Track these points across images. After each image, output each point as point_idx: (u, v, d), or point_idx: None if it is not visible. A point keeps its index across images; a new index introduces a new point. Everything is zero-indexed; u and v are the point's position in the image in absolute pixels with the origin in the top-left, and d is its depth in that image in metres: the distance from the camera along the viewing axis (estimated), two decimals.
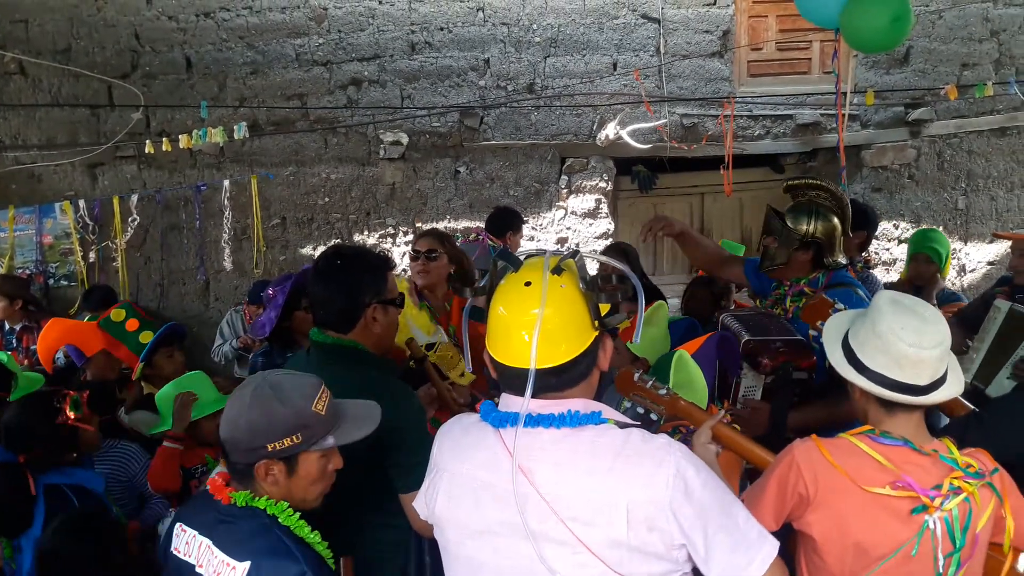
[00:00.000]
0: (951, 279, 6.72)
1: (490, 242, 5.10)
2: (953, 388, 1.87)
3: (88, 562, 2.40)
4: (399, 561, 2.39)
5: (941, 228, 6.65)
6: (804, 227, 3.06)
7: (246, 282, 6.28)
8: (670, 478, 1.42)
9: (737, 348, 2.90)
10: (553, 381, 1.49)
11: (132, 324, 3.64)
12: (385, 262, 2.46)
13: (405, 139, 6.16)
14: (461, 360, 2.85)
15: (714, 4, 6.27)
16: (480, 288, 1.63)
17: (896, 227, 6.69)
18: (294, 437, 1.73)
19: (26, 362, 5.24)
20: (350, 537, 2.26)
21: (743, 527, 1.47)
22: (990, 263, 6.77)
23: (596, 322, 1.51)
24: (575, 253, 1.54)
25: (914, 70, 6.46)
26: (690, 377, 2.53)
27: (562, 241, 6.48)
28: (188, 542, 1.77)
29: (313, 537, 1.78)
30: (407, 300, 3.19)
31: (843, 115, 3.79)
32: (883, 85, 6.45)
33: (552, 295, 1.46)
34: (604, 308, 1.52)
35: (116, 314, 3.70)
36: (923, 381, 1.82)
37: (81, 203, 6.20)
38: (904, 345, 1.80)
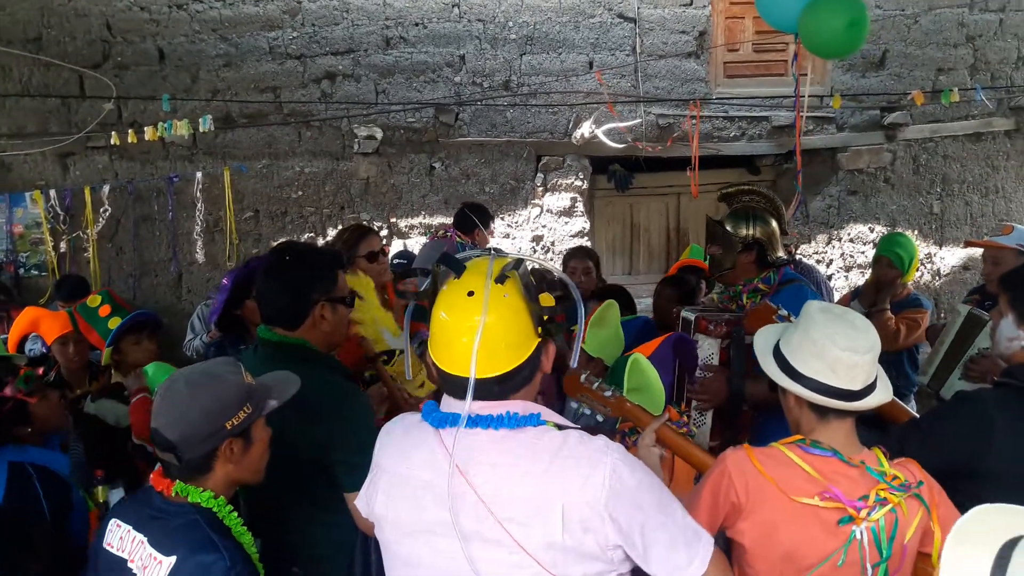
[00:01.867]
0: (926, 283, 6.76)
1: (458, 239, 5.07)
2: (883, 394, 1.89)
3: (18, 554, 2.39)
4: (344, 559, 2.38)
5: (915, 232, 6.68)
6: (744, 231, 3.20)
7: (218, 275, 6.22)
8: (606, 479, 1.42)
9: (694, 347, 2.94)
10: (496, 389, 1.50)
11: (104, 310, 3.66)
12: (336, 260, 2.46)
13: (380, 134, 6.13)
14: (421, 370, 2.83)
15: (690, 4, 6.26)
16: (422, 292, 1.62)
17: (871, 230, 6.71)
18: (246, 408, 1.80)
19: None
20: (296, 536, 2.26)
21: (680, 524, 1.50)
22: (964, 268, 6.81)
23: (539, 328, 1.51)
24: (519, 262, 1.53)
25: (890, 74, 6.48)
26: (646, 381, 2.54)
27: (537, 239, 6.46)
28: (122, 537, 1.80)
29: (245, 536, 1.83)
30: (374, 301, 3.17)
31: (802, 117, 3.79)
32: (859, 88, 6.47)
33: (494, 304, 1.46)
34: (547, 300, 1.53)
35: (92, 299, 3.76)
36: (857, 386, 1.83)
37: (52, 193, 6.13)
38: (838, 350, 1.82)
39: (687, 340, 2.94)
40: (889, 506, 1.76)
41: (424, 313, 1.62)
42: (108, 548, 1.81)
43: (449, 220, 6.29)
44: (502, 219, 6.42)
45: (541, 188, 6.40)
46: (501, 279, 1.48)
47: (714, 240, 3.27)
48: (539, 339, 1.52)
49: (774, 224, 3.24)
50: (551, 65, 6.25)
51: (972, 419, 2.14)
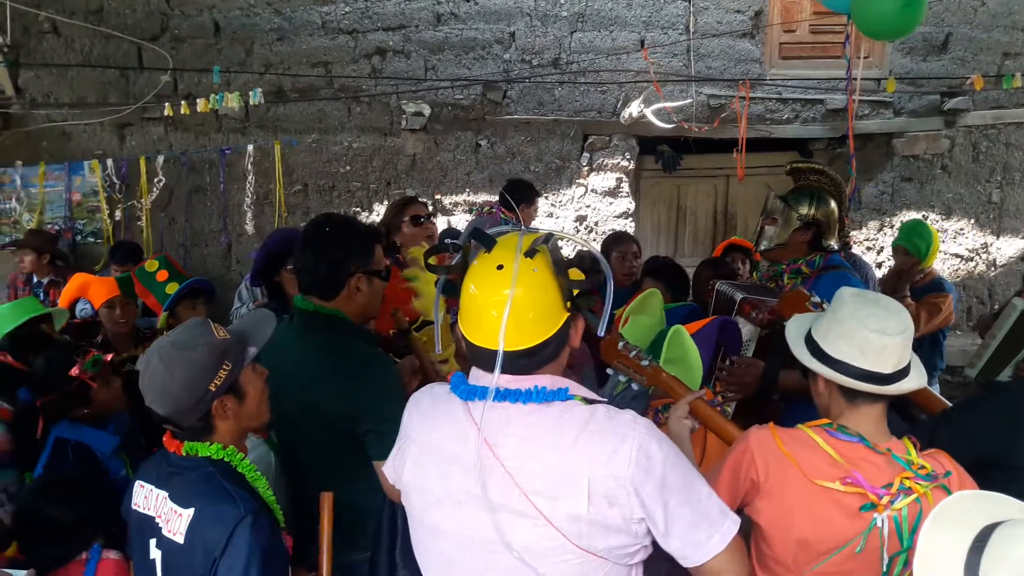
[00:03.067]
0: (980, 272, 6.57)
1: (503, 215, 5.07)
2: (916, 380, 1.85)
3: (60, 526, 2.47)
4: (371, 526, 2.42)
5: (972, 221, 6.49)
6: (805, 209, 3.14)
7: None
8: (633, 453, 1.43)
9: (738, 330, 2.90)
10: (523, 362, 1.50)
11: (162, 275, 3.74)
12: (374, 233, 2.48)
13: (427, 110, 6.15)
14: (451, 346, 2.85)
15: None
16: (454, 266, 1.63)
17: (926, 218, 6.52)
18: (225, 365, 1.82)
19: None
20: (309, 505, 2.29)
21: (705, 503, 1.49)
22: (1022, 259, 6.59)
23: (568, 303, 1.51)
24: (548, 237, 1.53)
25: (953, 58, 6.28)
26: (684, 354, 2.51)
27: (581, 219, 6.44)
28: (147, 496, 1.86)
29: (263, 487, 1.89)
30: (426, 272, 3.19)
31: (854, 101, 3.69)
32: (919, 72, 6.28)
33: (523, 278, 1.46)
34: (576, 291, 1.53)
35: (150, 264, 3.83)
36: (887, 369, 1.79)
37: (109, 162, 6.31)
38: (868, 331, 1.79)
39: (733, 325, 2.90)
40: (914, 496, 1.72)
41: (455, 288, 1.63)
42: (136, 508, 1.88)
43: (493, 198, 6.30)
44: (546, 198, 6.40)
45: (587, 168, 6.37)
46: (531, 253, 1.48)
47: (771, 214, 3.22)
48: (568, 314, 1.52)
49: (835, 208, 3.18)
50: (602, 43, 6.19)
51: (1002, 411, 2.09)
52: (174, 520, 1.76)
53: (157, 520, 1.80)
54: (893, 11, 3.06)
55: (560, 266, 1.51)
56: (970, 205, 6.52)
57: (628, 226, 6.36)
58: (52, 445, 2.81)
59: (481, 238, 1.57)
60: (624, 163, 6.34)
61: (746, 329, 2.87)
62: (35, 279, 5.74)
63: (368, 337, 2.48)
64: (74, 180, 6.44)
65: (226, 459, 1.84)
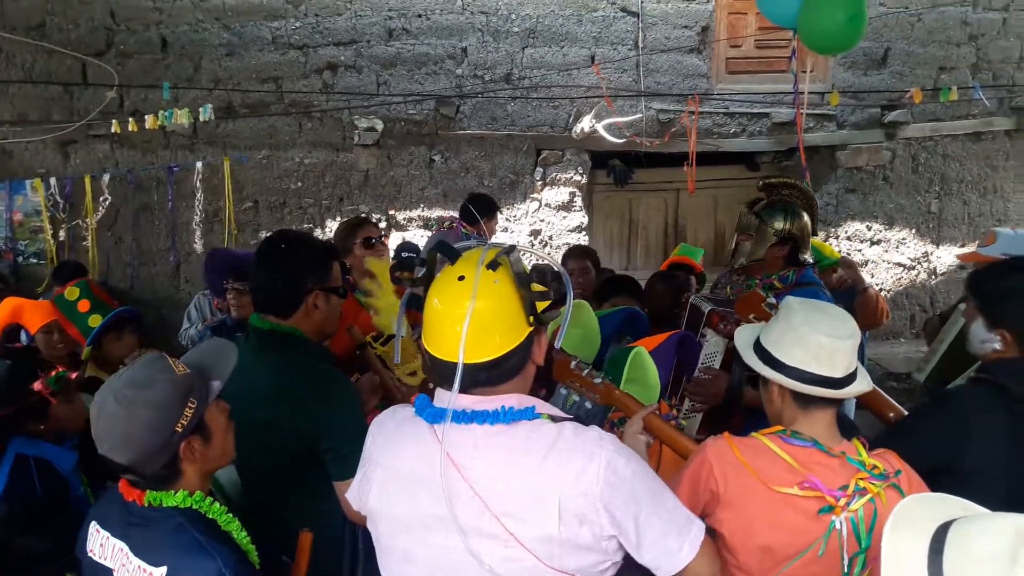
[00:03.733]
0: (922, 281, 6.76)
1: (463, 229, 5.08)
2: (863, 383, 1.90)
3: (29, 557, 2.40)
4: (334, 548, 2.40)
5: (912, 231, 6.69)
6: (780, 224, 3.17)
7: None
8: (601, 471, 1.43)
9: (698, 349, 2.93)
10: (484, 376, 1.50)
11: (84, 305, 3.57)
12: (330, 250, 2.45)
13: (380, 125, 6.14)
14: (417, 357, 2.83)
15: (693, 0, 6.26)
16: (419, 279, 1.63)
17: (869, 228, 6.71)
18: (191, 402, 1.68)
19: None
20: (285, 525, 2.27)
21: (672, 511, 1.51)
22: (961, 267, 6.80)
23: (531, 318, 1.51)
24: (511, 249, 1.53)
25: (892, 72, 6.48)
26: (644, 374, 2.54)
27: (535, 233, 6.48)
28: (103, 544, 1.73)
29: (234, 526, 1.77)
30: (389, 287, 3.17)
31: (801, 114, 3.79)
32: (860, 86, 6.47)
33: (485, 290, 1.46)
34: (541, 304, 1.53)
35: (70, 292, 3.64)
36: (839, 373, 1.84)
37: (52, 181, 6.17)
38: (821, 336, 1.84)
39: (692, 341, 2.93)
40: (868, 496, 1.77)
41: (420, 301, 1.63)
42: (91, 555, 1.75)
43: (447, 213, 6.31)
44: (500, 213, 6.42)
45: (540, 182, 6.41)
46: (493, 265, 1.48)
47: (745, 229, 3.24)
48: (530, 327, 1.52)
49: (808, 222, 3.22)
50: (553, 59, 6.26)
51: (949, 418, 2.15)
52: None
53: (116, 574, 1.68)
54: (837, 26, 3.16)
55: (522, 279, 1.50)
56: (911, 215, 6.72)
57: (582, 239, 6.42)
58: (13, 461, 2.69)
59: (445, 250, 1.57)
60: (577, 177, 6.40)
61: (714, 340, 2.88)
62: None
63: (325, 355, 2.45)
64: (15, 199, 6.28)
65: (194, 507, 1.71)
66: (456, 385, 1.47)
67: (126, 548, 1.67)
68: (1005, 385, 2.15)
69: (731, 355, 2.81)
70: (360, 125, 6.14)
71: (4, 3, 6.09)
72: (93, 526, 1.77)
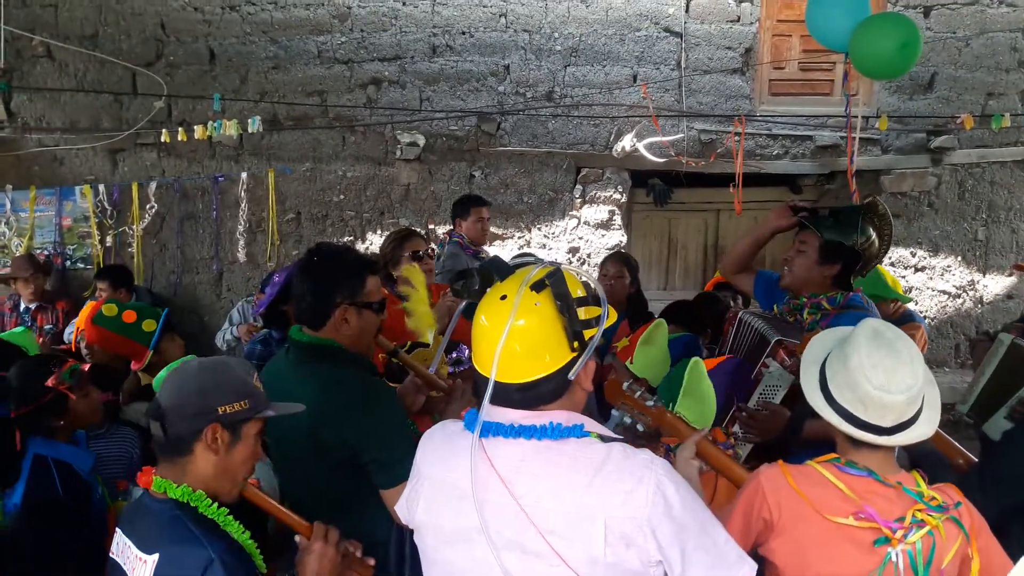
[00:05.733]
0: (968, 310, 6.64)
1: (453, 237, 5.13)
2: (924, 428, 1.82)
3: (46, 549, 2.41)
4: (379, 556, 2.40)
5: (958, 258, 6.58)
6: (847, 240, 2.96)
7: (259, 274, 6.33)
8: (650, 495, 1.41)
9: (750, 376, 2.84)
10: (518, 396, 1.49)
11: (129, 316, 3.56)
12: (366, 265, 2.43)
13: (422, 141, 6.19)
14: (444, 366, 2.83)
15: (738, 21, 6.24)
16: (475, 292, 1.63)
17: (913, 255, 6.61)
18: (244, 402, 1.77)
19: (40, 340, 5.35)
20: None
21: (722, 547, 1.47)
22: (1008, 296, 6.67)
23: (575, 343, 1.48)
24: (555, 271, 1.50)
25: (938, 97, 6.40)
26: (702, 389, 2.50)
27: (574, 251, 6.47)
28: (118, 542, 1.78)
29: (237, 531, 1.77)
30: (424, 295, 3.18)
31: (853, 139, 3.74)
32: (906, 111, 6.39)
33: (525, 311, 1.46)
34: (591, 333, 1.49)
35: (107, 309, 3.60)
36: (887, 424, 1.78)
37: (101, 188, 6.29)
38: (870, 387, 1.76)
39: (747, 370, 2.85)
40: (927, 528, 1.72)
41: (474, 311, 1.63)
42: (112, 556, 1.79)
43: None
44: (539, 230, 6.44)
45: (579, 200, 6.41)
46: (537, 286, 1.47)
47: (808, 236, 3.02)
48: (573, 353, 1.48)
49: (875, 243, 3.03)
50: (595, 77, 6.27)
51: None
52: (139, 568, 1.66)
53: (124, 567, 1.72)
54: (891, 51, 3.12)
55: (567, 303, 1.47)
56: (956, 242, 6.61)
57: (622, 251, 6.39)
58: (32, 462, 2.68)
59: (498, 267, 1.57)
60: (616, 196, 6.39)
61: (778, 373, 2.74)
62: (23, 305, 5.68)
63: (364, 365, 2.45)
64: (65, 205, 6.41)
65: (192, 503, 1.73)
66: (486, 401, 1.47)
67: (130, 543, 1.72)
68: None
69: (795, 390, 2.64)
70: (402, 140, 6.20)
71: (59, 13, 6.26)
72: (118, 530, 1.81)
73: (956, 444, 2.35)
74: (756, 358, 2.87)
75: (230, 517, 1.77)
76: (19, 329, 3.92)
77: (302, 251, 6.33)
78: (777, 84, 6.49)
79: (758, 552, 1.90)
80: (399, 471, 1.99)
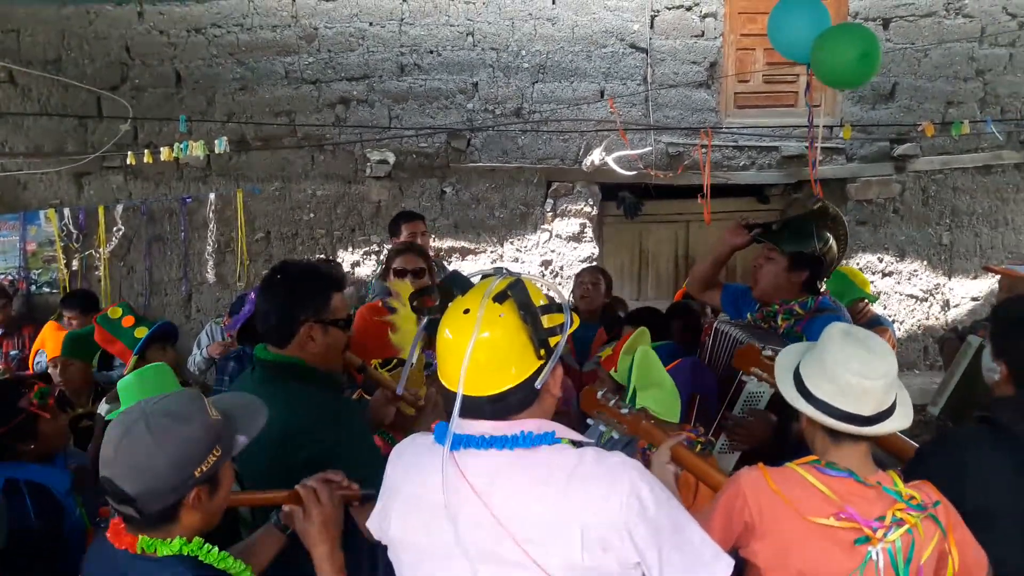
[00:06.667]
0: (935, 314, 6.74)
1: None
2: (900, 421, 1.87)
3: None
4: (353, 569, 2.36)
5: (924, 263, 6.69)
6: (799, 247, 3.04)
7: (229, 295, 6.27)
8: (624, 498, 1.41)
9: (713, 378, 2.87)
10: (489, 408, 1.48)
11: (128, 320, 3.62)
12: (332, 282, 2.40)
13: (392, 158, 6.19)
14: (423, 386, 2.81)
15: (702, 36, 6.33)
16: (436, 308, 1.63)
17: (880, 260, 6.71)
18: (215, 451, 1.61)
19: (3, 366, 5.27)
20: (301, 558, 2.24)
21: (698, 546, 1.47)
22: (974, 299, 6.79)
23: (542, 351, 1.48)
24: (517, 281, 1.50)
25: (900, 106, 6.52)
26: (654, 373, 2.50)
27: (546, 264, 6.48)
28: None
29: (236, 566, 1.67)
30: (408, 311, 3.16)
31: (816, 148, 3.81)
32: (869, 120, 6.51)
33: (489, 323, 1.45)
34: (556, 340, 1.49)
35: (113, 311, 3.70)
36: (867, 411, 1.82)
37: (66, 211, 6.23)
38: (849, 375, 1.81)
39: (702, 367, 2.89)
40: (906, 527, 1.74)
41: (436, 329, 1.62)
42: None
43: (459, 244, 6.34)
44: (511, 244, 6.46)
45: (551, 214, 6.44)
46: (499, 297, 1.47)
47: (766, 251, 3.11)
48: (540, 361, 1.48)
49: (836, 252, 3.14)
50: (563, 93, 6.32)
51: (946, 462, 2.09)
52: None
53: None
54: (852, 61, 3.18)
55: (531, 312, 1.47)
56: (922, 247, 6.72)
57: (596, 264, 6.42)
58: (3, 486, 2.61)
59: (459, 282, 1.57)
60: (587, 209, 6.43)
61: (756, 385, 2.75)
62: None
63: (331, 382, 2.43)
64: (29, 230, 6.31)
65: (191, 553, 1.60)
66: (455, 416, 1.46)
67: None
68: (1005, 424, 2.11)
69: (779, 396, 2.71)
70: (372, 158, 6.19)
71: (21, 38, 6.19)
72: None
73: (904, 438, 2.32)
74: (721, 356, 2.93)
75: (223, 553, 1.66)
76: None
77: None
78: (742, 97, 6.58)
79: (739, 554, 1.91)
80: (368, 488, 1.98)
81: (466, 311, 1.48)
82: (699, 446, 2.28)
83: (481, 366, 1.45)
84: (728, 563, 1.48)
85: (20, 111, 6.23)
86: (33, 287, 6.40)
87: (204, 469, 1.58)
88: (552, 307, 1.50)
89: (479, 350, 1.44)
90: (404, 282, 3.38)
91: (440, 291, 1.60)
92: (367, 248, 6.45)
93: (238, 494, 1.91)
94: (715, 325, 3.13)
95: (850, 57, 3.22)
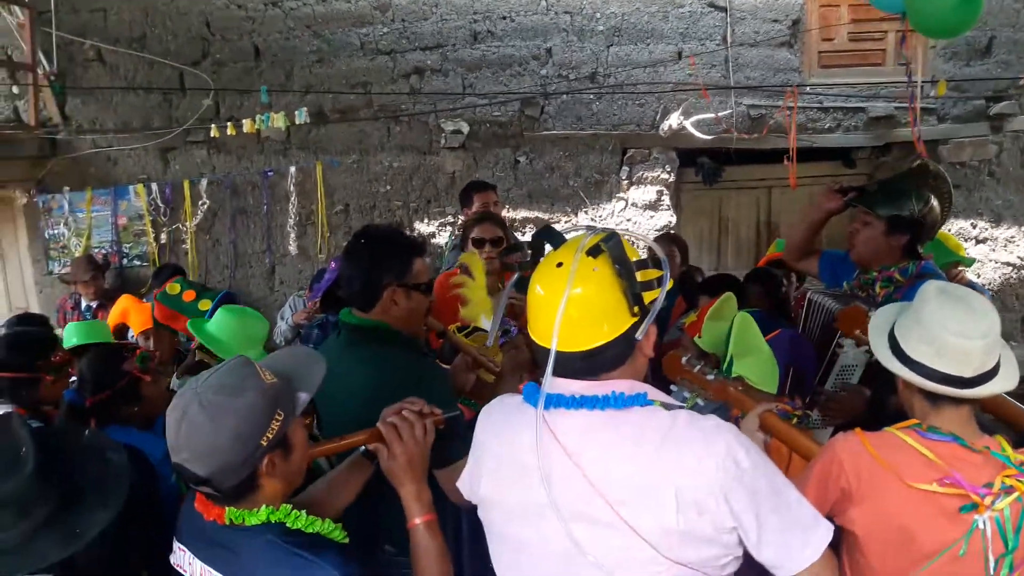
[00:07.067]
0: None
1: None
2: (1004, 383, 1.78)
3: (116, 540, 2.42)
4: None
5: (1022, 228, 6.36)
6: (897, 209, 2.89)
7: (310, 267, 6.41)
8: (720, 460, 1.38)
9: (810, 350, 2.78)
10: (580, 365, 1.46)
11: (189, 295, 3.70)
12: (413, 247, 2.43)
13: (466, 128, 6.18)
14: (499, 353, 2.81)
15: None
16: (526, 263, 1.61)
17: (974, 226, 6.41)
18: (277, 416, 1.56)
19: None
20: (381, 520, 2.27)
21: (797, 510, 1.44)
22: None
23: (636, 308, 1.45)
24: (612, 235, 1.47)
25: (997, 61, 6.18)
26: (754, 341, 2.43)
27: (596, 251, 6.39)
28: (191, 563, 1.64)
29: (325, 527, 1.65)
30: (482, 281, 3.17)
31: (916, 104, 3.58)
32: (962, 77, 6.18)
33: (583, 277, 1.42)
34: (651, 295, 1.46)
35: (171, 287, 3.77)
36: (968, 373, 1.73)
37: (154, 186, 6.44)
38: (948, 334, 1.73)
39: (802, 342, 2.79)
40: (1016, 494, 1.66)
41: (526, 284, 1.60)
42: (178, 568, 1.66)
43: (533, 214, 6.31)
44: (586, 213, 6.39)
45: (627, 181, 6.34)
46: (593, 251, 1.43)
47: (863, 214, 2.96)
48: (634, 318, 1.45)
49: (938, 214, 2.97)
50: (639, 56, 6.18)
51: None
52: None
53: None
54: (951, 5, 2.98)
55: (626, 267, 1.43)
56: (1020, 212, 6.38)
57: (671, 232, 6.31)
58: None
59: (550, 236, 1.54)
60: (664, 176, 6.31)
61: (852, 352, 2.67)
62: (83, 303, 5.83)
63: (415, 346, 2.46)
64: (120, 204, 6.55)
65: (280, 520, 1.59)
66: (548, 372, 1.43)
67: (217, 574, 1.58)
68: None
69: (873, 367, 2.57)
70: (446, 128, 6.20)
71: (108, 17, 6.38)
72: (177, 545, 1.68)
73: (1014, 402, 2.22)
74: (829, 338, 2.77)
75: (311, 518, 1.63)
76: (91, 321, 4.05)
77: None
78: (827, 56, 6.33)
79: (835, 522, 1.85)
80: (452, 450, 1.99)
81: (559, 265, 1.45)
82: (795, 419, 2.20)
83: (574, 321, 1.42)
84: (828, 528, 1.45)
85: (109, 88, 6.43)
86: (125, 260, 6.65)
87: (270, 436, 1.54)
88: (648, 263, 1.47)
89: (572, 305, 1.41)
90: (477, 254, 3.38)
91: (531, 247, 1.57)
92: (442, 219, 6.47)
93: (318, 445, 1.92)
94: (808, 296, 3.00)
95: (948, 3, 3.02)
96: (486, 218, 3.86)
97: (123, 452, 1.63)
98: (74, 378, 3.11)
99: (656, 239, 4.75)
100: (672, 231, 6.33)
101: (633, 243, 1.53)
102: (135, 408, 2.81)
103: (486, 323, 3.16)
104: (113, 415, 2.78)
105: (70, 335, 3.75)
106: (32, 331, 3.55)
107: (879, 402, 2.56)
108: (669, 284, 1.50)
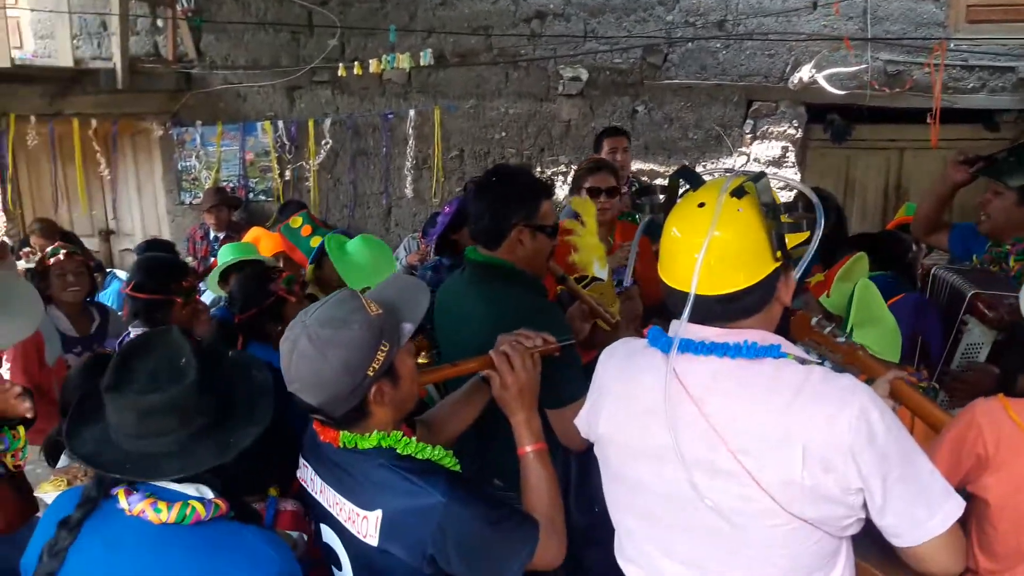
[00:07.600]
0: None
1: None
2: None
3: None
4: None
5: None
6: None
7: (425, 210, 6.53)
8: (853, 420, 1.33)
9: (937, 318, 2.66)
10: (719, 309, 1.42)
11: (306, 230, 3.84)
12: (543, 188, 2.44)
13: (585, 75, 6.09)
14: (615, 302, 2.79)
15: None
16: (659, 205, 1.58)
17: None
18: (383, 346, 1.58)
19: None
20: (493, 455, 2.31)
21: (927, 479, 1.38)
22: None
23: (778, 252, 1.40)
24: (760, 175, 1.42)
25: None
26: (877, 311, 2.34)
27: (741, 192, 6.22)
28: (312, 479, 1.72)
29: (436, 453, 1.67)
30: (593, 227, 3.16)
31: None
32: None
33: (727, 218, 1.38)
34: (794, 239, 1.41)
35: (294, 220, 3.94)
36: None
37: (280, 124, 6.65)
38: None
39: (929, 307, 2.67)
40: None
41: (658, 229, 1.57)
42: (304, 484, 1.74)
43: (648, 166, 6.19)
44: (704, 167, 6.22)
45: (750, 136, 6.14)
46: (737, 192, 1.39)
47: (995, 184, 2.83)
48: (776, 263, 1.40)
49: None
50: (771, 4, 5.92)
51: None
52: (359, 522, 1.59)
53: (329, 509, 1.67)
54: None
55: (771, 210, 1.38)
56: None
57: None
58: None
59: (688, 176, 1.50)
60: (791, 131, 6.07)
61: (978, 331, 2.55)
62: (212, 234, 6.12)
63: (537, 286, 2.47)
64: (248, 140, 6.81)
65: (390, 446, 1.62)
66: (685, 315, 1.40)
67: (333, 491, 1.65)
68: None
69: (1001, 346, 2.46)
70: (565, 74, 6.13)
71: None
72: (302, 460, 1.76)
73: None
74: (953, 315, 2.66)
75: (422, 444, 1.66)
76: (243, 243, 4.29)
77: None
78: (976, 9, 5.89)
79: (966, 490, 1.78)
80: (568, 391, 2.01)
81: (701, 204, 1.41)
82: (921, 391, 2.11)
83: (713, 264, 1.39)
84: (959, 503, 1.39)
85: (241, 25, 6.64)
86: (251, 195, 6.94)
87: (376, 367, 1.57)
88: (796, 206, 1.42)
89: (714, 247, 1.38)
90: (588, 201, 3.34)
91: (667, 188, 1.54)
92: (555, 168, 6.44)
93: (430, 371, 1.96)
94: (932, 271, 2.88)
95: None
96: (601, 167, 3.80)
97: (267, 371, 1.71)
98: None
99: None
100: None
101: (778, 187, 1.48)
102: (279, 327, 2.93)
103: (599, 270, 3.14)
104: (258, 332, 2.92)
105: (225, 254, 4.01)
106: (165, 256, 3.78)
107: (1009, 381, 2.42)
108: (821, 230, 1.45)
